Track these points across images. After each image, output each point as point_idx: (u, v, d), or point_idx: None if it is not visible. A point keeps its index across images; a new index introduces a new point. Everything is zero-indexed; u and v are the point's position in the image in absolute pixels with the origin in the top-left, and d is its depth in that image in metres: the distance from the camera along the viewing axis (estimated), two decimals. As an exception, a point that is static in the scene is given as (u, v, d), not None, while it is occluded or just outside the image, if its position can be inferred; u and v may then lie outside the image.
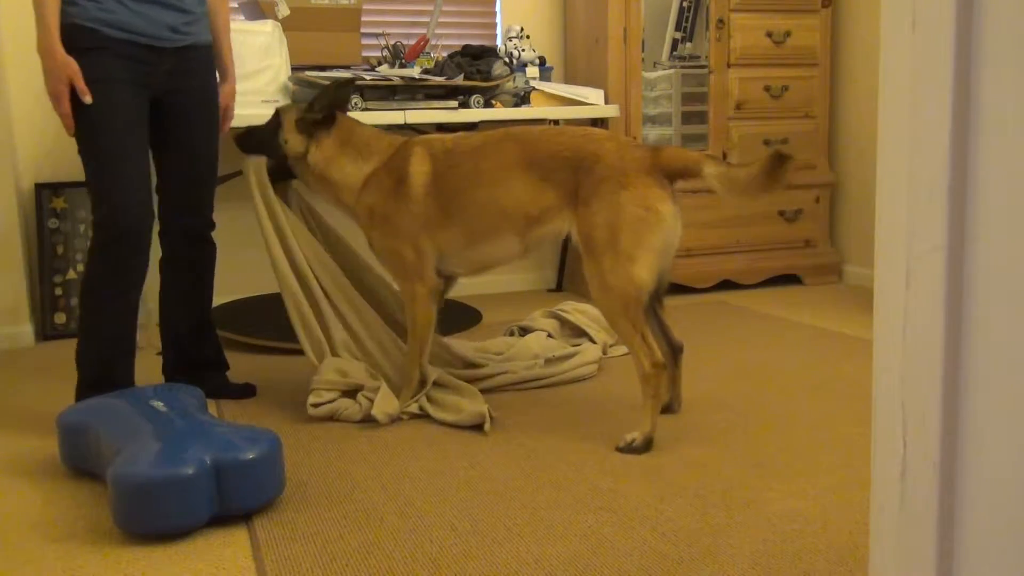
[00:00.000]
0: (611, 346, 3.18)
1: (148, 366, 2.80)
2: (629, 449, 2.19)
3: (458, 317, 3.68)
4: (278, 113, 2.63)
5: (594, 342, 3.10)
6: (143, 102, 2.41)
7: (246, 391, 2.75)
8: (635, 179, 2.23)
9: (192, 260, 2.65)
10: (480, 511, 1.89)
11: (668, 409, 2.49)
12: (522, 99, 3.85)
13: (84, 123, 2.31)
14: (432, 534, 1.79)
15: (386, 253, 2.52)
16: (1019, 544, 0.70)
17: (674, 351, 2.48)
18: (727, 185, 2.24)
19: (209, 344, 2.74)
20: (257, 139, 2.64)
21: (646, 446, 2.20)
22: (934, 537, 0.75)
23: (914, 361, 0.76)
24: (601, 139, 2.36)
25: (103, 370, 2.43)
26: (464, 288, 4.09)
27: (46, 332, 3.62)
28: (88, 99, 2.28)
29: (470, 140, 2.51)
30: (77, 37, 2.29)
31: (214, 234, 2.69)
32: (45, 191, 3.62)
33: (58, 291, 3.64)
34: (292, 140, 2.57)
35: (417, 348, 2.53)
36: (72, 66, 2.25)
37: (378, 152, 2.56)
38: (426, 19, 3.99)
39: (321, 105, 2.56)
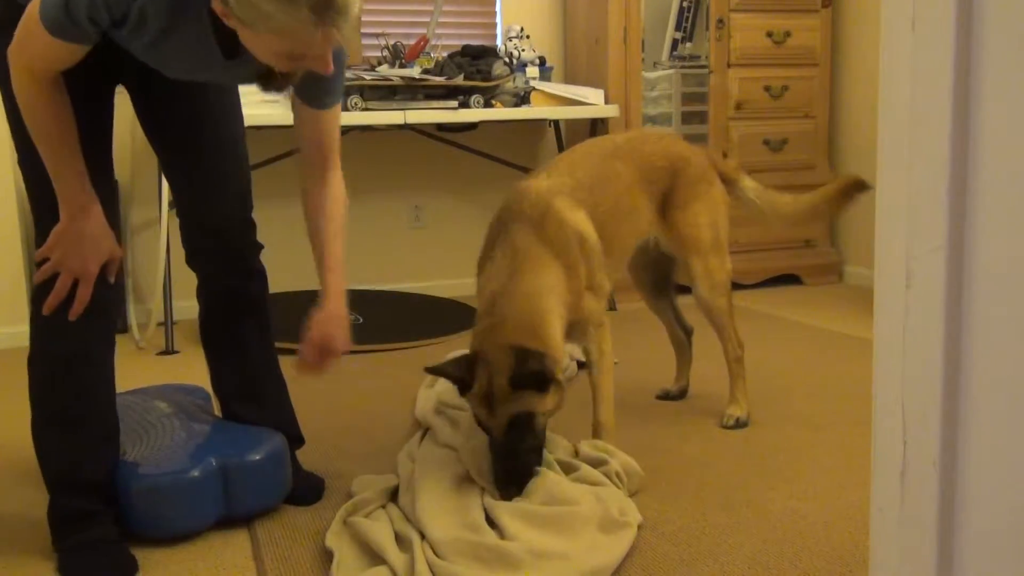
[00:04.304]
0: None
1: (149, 367, 2.80)
2: (736, 425, 2.35)
3: (457, 317, 3.67)
4: (531, 356, 1.78)
5: None
6: (97, 82, 1.70)
7: (310, 492, 1.97)
8: (714, 176, 2.37)
9: (229, 295, 1.94)
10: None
11: (680, 395, 2.62)
12: (522, 99, 3.85)
13: (18, 133, 1.65)
14: (432, 534, 1.78)
15: (598, 313, 2.08)
16: (1019, 544, 0.70)
17: (687, 333, 2.62)
18: (767, 205, 2.41)
19: (269, 414, 1.99)
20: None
21: (748, 420, 2.37)
22: (934, 537, 0.75)
23: (914, 361, 0.76)
24: (674, 140, 2.42)
25: (76, 470, 1.75)
26: (463, 289, 4.09)
27: (46, 332, 3.62)
28: None
29: (584, 167, 2.15)
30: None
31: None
32: (45, 191, 3.61)
33: (58, 291, 3.64)
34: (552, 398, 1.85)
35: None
36: None
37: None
38: (426, 19, 3.99)
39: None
